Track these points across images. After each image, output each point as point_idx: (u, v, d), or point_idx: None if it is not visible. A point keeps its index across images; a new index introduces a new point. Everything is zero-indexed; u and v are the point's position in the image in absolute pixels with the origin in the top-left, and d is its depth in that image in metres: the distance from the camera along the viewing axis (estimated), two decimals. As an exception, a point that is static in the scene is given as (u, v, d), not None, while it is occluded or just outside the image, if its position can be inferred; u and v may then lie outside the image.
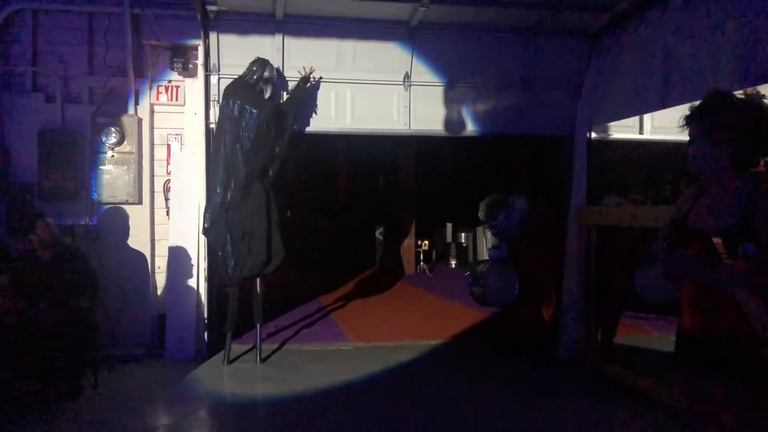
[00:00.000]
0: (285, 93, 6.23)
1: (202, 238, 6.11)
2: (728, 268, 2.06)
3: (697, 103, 2.36)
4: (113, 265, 6.10)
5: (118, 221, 6.31)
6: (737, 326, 2.11)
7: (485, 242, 12.19)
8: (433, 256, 14.43)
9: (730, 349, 2.20)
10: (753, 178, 2.23)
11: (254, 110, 5.84)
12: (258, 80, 5.92)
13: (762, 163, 2.32)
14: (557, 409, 4.90)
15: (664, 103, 5.02)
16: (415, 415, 4.73)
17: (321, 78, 6.26)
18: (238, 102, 5.84)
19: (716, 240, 2.05)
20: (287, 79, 6.24)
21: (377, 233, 13.78)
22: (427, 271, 13.25)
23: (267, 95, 5.98)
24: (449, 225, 14.61)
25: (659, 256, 2.43)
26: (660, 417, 4.35)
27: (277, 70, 6.13)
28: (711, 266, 2.13)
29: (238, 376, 5.72)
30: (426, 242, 13.69)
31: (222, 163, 5.87)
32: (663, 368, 4.55)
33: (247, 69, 5.95)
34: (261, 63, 5.95)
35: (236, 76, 6.01)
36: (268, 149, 5.98)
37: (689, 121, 2.36)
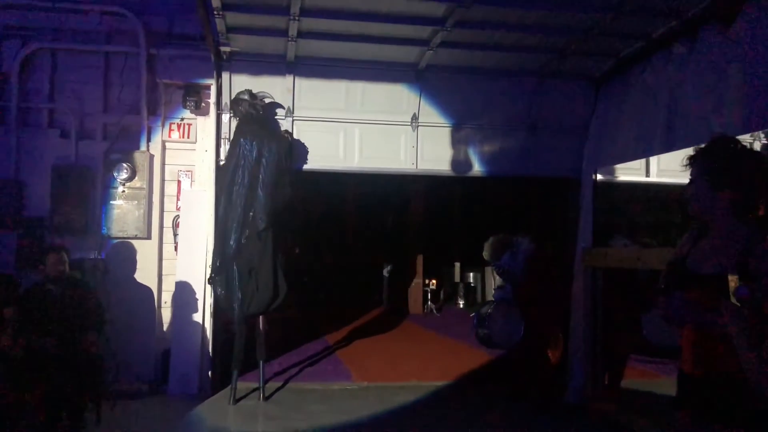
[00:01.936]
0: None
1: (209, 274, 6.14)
2: (732, 310, 2.04)
3: (702, 145, 2.39)
4: (120, 299, 6.12)
5: (127, 256, 6.37)
6: (737, 370, 2.09)
7: (494, 283, 12.11)
8: (441, 296, 14.34)
9: (731, 393, 2.19)
10: (752, 224, 2.24)
11: (272, 146, 5.92)
12: (251, 104, 5.98)
13: (762, 208, 2.32)
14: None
15: (668, 146, 5.07)
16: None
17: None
18: (256, 142, 5.91)
19: (732, 277, 2.03)
20: (295, 118, 6.34)
21: (384, 272, 13.74)
22: (434, 311, 13.16)
23: (268, 99, 6.07)
24: (457, 264, 14.56)
25: (658, 298, 2.43)
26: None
27: (287, 108, 6.25)
28: (713, 309, 2.12)
29: (241, 414, 5.67)
30: (434, 282, 13.62)
31: (240, 204, 5.88)
32: (670, 413, 4.46)
33: (243, 107, 5.99)
34: (240, 95, 6.02)
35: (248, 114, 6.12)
36: (286, 183, 6.04)
37: (692, 162, 2.38)
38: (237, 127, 6.09)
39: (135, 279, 6.37)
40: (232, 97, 6.24)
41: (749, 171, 2.24)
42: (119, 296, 6.15)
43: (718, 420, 2.24)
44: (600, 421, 5.44)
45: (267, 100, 6.13)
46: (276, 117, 6.28)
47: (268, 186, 5.91)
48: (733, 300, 2.00)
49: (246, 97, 6.00)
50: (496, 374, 7.20)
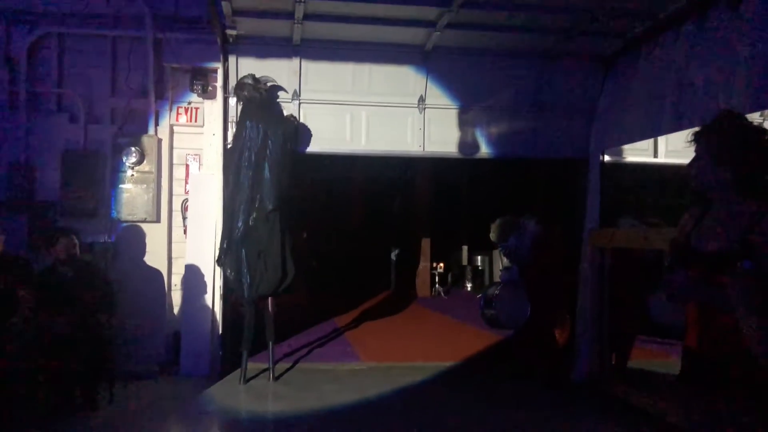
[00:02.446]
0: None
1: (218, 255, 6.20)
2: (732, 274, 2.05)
3: (708, 122, 2.38)
4: (130, 282, 6.18)
5: (137, 239, 6.42)
6: (740, 344, 2.11)
7: (501, 265, 12.14)
8: (449, 279, 14.40)
9: (734, 367, 2.21)
10: (755, 200, 2.24)
11: (277, 129, 5.97)
12: (254, 86, 6.00)
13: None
14: (568, 429, 4.87)
15: (676, 126, 5.04)
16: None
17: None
18: (261, 125, 5.95)
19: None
20: (302, 101, 6.36)
21: (392, 255, 13.79)
22: (442, 294, 13.22)
23: (271, 82, 6.09)
24: (465, 248, 14.60)
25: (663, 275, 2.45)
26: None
27: (294, 91, 6.27)
28: (717, 285, 2.13)
29: (250, 393, 5.75)
30: (441, 265, 13.67)
31: (247, 187, 5.94)
32: (675, 391, 4.49)
33: (247, 91, 6.02)
34: (248, 79, 6.04)
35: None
36: (290, 166, 6.08)
37: (697, 138, 2.38)
38: (242, 111, 6.12)
39: (145, 262, 6.43)
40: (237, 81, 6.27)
41: (754, 146, 2.23)
42: (129, 279, 6.20)
43: (722, 394, 2.26)
44: (607, 400, 5.47)
45: (269, 84, 6.14)
46: (280, 100, 6.29)
47: (275, 168, 5.95)
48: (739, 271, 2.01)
49: (249, 81, 6.02)
50: (502, 355, 7.24)
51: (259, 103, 6.03)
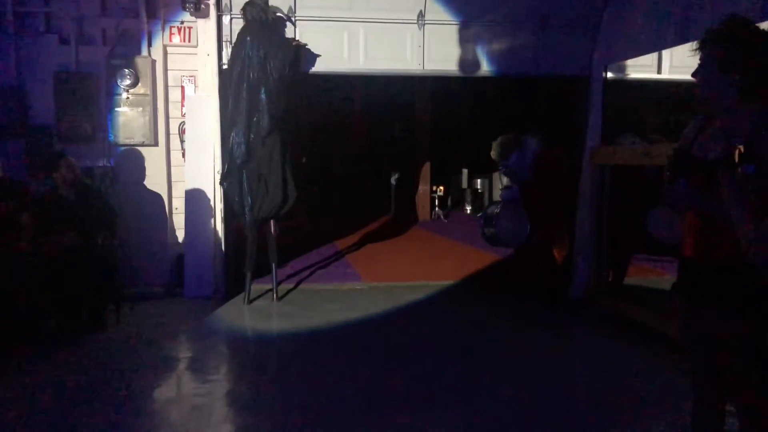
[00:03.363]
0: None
1: (219, 178, 6.18)
2: (731, 175, 2.03)
3: (714, 27, 2.31)
4: (132, 206, 6.20)
5: (135, 163, 6.39)
6: (737, 254, 2.12)
7: (501, 186, 12.15)
8: (449, 202, 14.44)
9: (730, 276, 2.23)
10: (759, 107, 2.20)
11: (279, 52, 5.83)
12: (264, 8, 5.86)
13: None
14: (567, 342, 5.04)
15: (683, 38, 4.90)
16: (427, 347, 4.86)
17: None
18: (262, 45, 5.80)
19: (739, 147, 2.00)
20: (298, 18, 6.17)
21: (392, 179, 13.78)
22: (442, 217, 13.29)
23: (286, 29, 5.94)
24: (465, 171, 14.55)
25: (664, 185, 2.44)
26: (665, 349, 4.43)
27: (289, 8, 6.08)
28: (717, 193, 2.12)
29: (256, 313, 5.90)
30: (441, 188, 13.66)
31: (245, 109, 5.85)
32: (670, 304, 4.59)
33: (255, 10, 5.85)
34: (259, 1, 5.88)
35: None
36: (286, 91, 5.97)
37: (702, 45, 2.31)
38: (243, 29, 5.93)
39: (145, 186, 6.43)
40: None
41: (761, 51, 2.17)
42: (131, 203, 6.22)
43: (717, 304, 2.30)
44: (604, 315, 5.60)
45: (277, 15, 5.98)
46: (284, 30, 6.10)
47: (273, 92, 5.85)
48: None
49: (260, 2, 5.84)
50: (502, 274, 7.36)
51: (261, 24, 5.86)
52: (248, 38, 5.85)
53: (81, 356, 4.53)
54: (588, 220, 5.99)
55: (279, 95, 5.90)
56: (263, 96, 5.84)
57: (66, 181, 5.30)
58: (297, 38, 6.15)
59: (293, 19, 6.16)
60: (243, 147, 5.88)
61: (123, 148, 6.37)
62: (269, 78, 5.83)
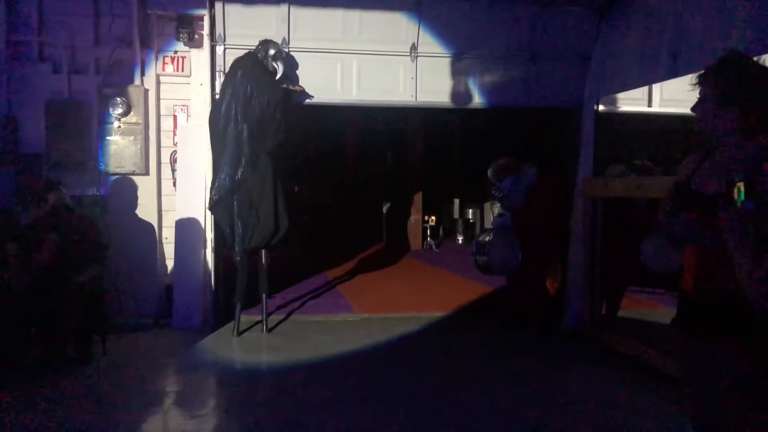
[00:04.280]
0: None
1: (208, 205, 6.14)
2: (730, 212, 2.02)
3: (713, 62, 2.32)
4: (121, 236, 6.11)
5: (126, 192, 6.34)
6: (736, 288, 2.10)
7: (492, 216, 12.17)
8: (440, 232, 14.43)
9: (730, 311, 2.21)
10: (759, 143, 2.20)
11: (265, 94, 5.82)
12: (267, 57, 5.87)
13: None
14: (559, 376, 4.96)
15: (672, 73, 4.97)
16: (418, 381, 4.77)
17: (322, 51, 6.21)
18: (250, 83, 5.80)
19: (739, 183, 1.99)
20: (291, 49, 6.20)
21: (384, 209, 13.77)
22: (433, 247, 13.26)
23: (280, 72, 5.92)
24: (456, 201, 14.58)
25: (662, 219, 2.43)
26: (660, 384, 4.39)
27: (283, 39, 6.11)
28: (715, 227, 2.10)
29: (244, 345, 5.79)
30: (433, 218, 13.65)
31: (231, 140, 5.83)
32: (665, 339, 4.56)
33: (257, 47, 5.92)
34: (266, 42, 5.91)
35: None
36: (274, 131, 5.94)
37: (701, 80, 2.32)
38: (235, 62, 5.95)
39: (135, 215, 6.36)
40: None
41: (759, 86, 2.19)
42: (120, 232, 6.13)
43: (716, 338, 2.27)
44: (597, 348, 5.55)
45: (280, 66, 5.95)
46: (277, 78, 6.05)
47: (254, 129, 5.82)
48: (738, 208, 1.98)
49: (272, 49, 5.89)
50: (494, 305, 7.30)
51: (254, 61, 5.87)
52: (239, 72, 5.86)
53: (64, 388, 4.42)
54: (580, 252, 5.97)
55: (263, 134, 5.87)
56: (245, 133, 5.81)
57: (51, 209, 5.22)
58: (292, 83, 6.15)
59: (287, 50, 6.18)
60: (228, 179, 5.84)
61: (114, 177, 6.32)
62: (253, 114, 5.81)
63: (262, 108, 5.82)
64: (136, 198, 6.36)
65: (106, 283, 5.51)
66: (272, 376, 5.08)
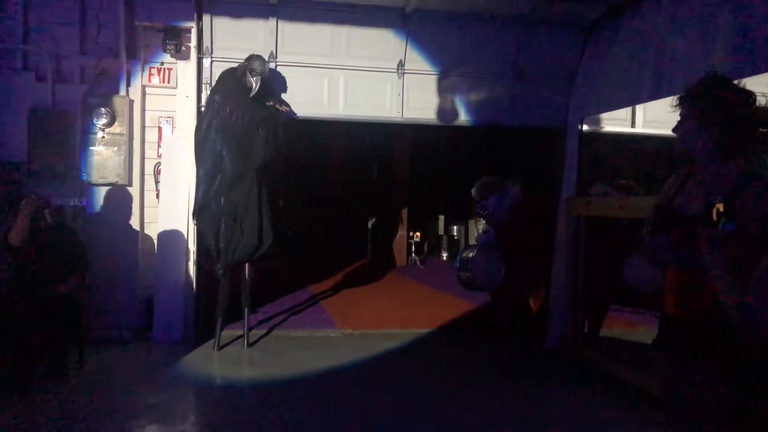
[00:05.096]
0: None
1: (192, 223, 6.08)
2: (711, 233, 2.04)
3: (693, 84, 2.35)
4: (102, 247, 6.05)
5: (108, 203, 6.28)
6: (718, 310, 2.10)
7: (477, 233, 12.19)
8: (425, 248, 14.43)
9: (711, 333, 2.21)
10: (739, 164, 2.23)
11: (246, 114, 5.79)
12: (244, 72, 5.79)
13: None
14: (542, 396, 4.93)
15: (656, 94, 5.03)
16: (400, 400, 4.73)
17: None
18: (229, 102, 5.77)
19: (718, 205, 2.02)
20: (279, 63, 6.21)
21: (369, 224, 13.75)
22: (418, 263, 13.25)
23: (254, 90, 5.80)
24: (441, 217, 14.61)
25: (644, 240, 2.43)
26: (641, 404, 4.39)
27: (271, 53, 6.11)
28: (697, 249, 2.11)
29: (224, 360, 5.72)
30: (418, 234, 13.67)
31: (210, 156, 5.80)
32: (647, 359, 4.57)
33: (256, 67, 5.81)
34: (251, 57, 5.83)
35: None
36: (261, 148, 5.90)
37: (681, 101, 2.35)
38: (221, 77, 5.94)
39: (117, 226, 6.29)
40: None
41: (738, 108, 2.21)
42: (101, 244, 6.07)
43: (696, 360, 2.27)
44: (579, 367, 5.54)
45: (256, 83, 5.80)
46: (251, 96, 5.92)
47: (234, 147, 5.78)
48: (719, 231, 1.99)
49: (257, 65, 5.76)
50: (478, 322, 7.29)
51: (236, 78, 5.83)
52: (221, 90, 5.84)
53: (38, 403, 4.33)
54: (564, 270, 5.99)
55: (248, 148, 5.83)
56: (225, 150, 5.78)
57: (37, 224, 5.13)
58: (279, 102, 6.12)
59: (275, 64, 6.19)
60: (202, 194, 5.81)
61: (96, 187, 6.26)
62: (233, 133, 5.78)
63: (241, 127, 5.79)
64: (118, 209, 6.30)
65: (84, 295, 5.41)
66: (252, 393, 5.01)
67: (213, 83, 6.06)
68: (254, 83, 5.79)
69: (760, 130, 2.24)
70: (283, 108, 6.07)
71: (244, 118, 5.79)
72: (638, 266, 5.27)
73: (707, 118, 2.22)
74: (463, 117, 6.58)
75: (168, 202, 6.22)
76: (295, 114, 6.27)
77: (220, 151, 5.80)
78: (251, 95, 5.80)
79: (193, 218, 6.00)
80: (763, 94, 2.26)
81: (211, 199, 5.82)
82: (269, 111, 5.96)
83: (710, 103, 2.23)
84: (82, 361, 5.16)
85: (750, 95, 2.25)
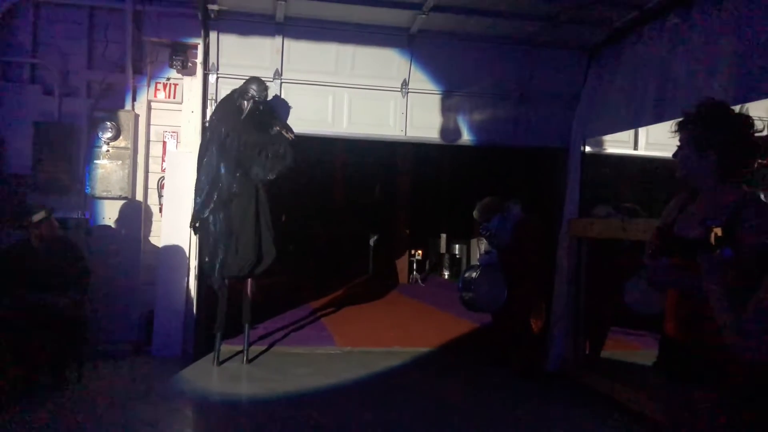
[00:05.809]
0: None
1: (194, 237, 6.10)
2: (709, 257, 2.04)
3: (691, 110, 2.37)
4: (104, 260, 6.06)
5: (111, 216, 6.29)
6: (717, 334, 2.10)
7: (479, 253, 12.17)
8: (427, 267, 14.41)
9: (710, 357, 2.20)
10: (738, 188, 2.25)
11: (241, 137, 5.82)
12: (240, 95, 5.84)
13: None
14: (540, 416, 4.90)
15: (658, 117, 5.05)
16: (400, 418, 4.71)
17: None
18: (224, 125, 5.81)
19: (716, 229, 2.02)
20: (284, 81, 6.26)
21: (370, 241, 13.75)
22: (419, 281, 13.23)
23: (245, 113, 5.83)
24: (443, 236, 14.59)
25: (645, 263, 2.44)
26: (641, 427, 4.36)
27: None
28: (697, 272, 2.11)
29: (223, 375, 5.70)
30: (420, 252, 13.66)
31: (207, 171, 5.84)
32: (647, 381, 4.55)
33: (256, 92, 5.88)
34: (249, 80, 5.88)
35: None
36: (255, 171, 5.92)
37: (680, 127, 2.37)
38: (217, 105, 6.02)
39: (119, 240, 6.30)
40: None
41: (735, 133, 2.23)
42: (103, 257, 6.08)
43: (697, 383, 2.26)
44: (580, 390, 5.51)
45: (248, 105, 5.85)
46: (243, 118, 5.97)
47: (232, 166, 5.82)
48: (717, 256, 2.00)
49: (253, 88, 5.82)
50: (478, 342, 7.26)
51: (232, 102, 5.87)
52: (219, 117, 5.90)
53: (37, 416, 4.30)
54: (565, 291, 5.97)
55: (248, 168, 5.87)
56: (222, 170, 5.82)
57: (40, 237, 5.13)
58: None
59: (280, 81, 6.24)
60: (201, 203, 5.84)
61: (100, 200, 6.28)
62: (229, 155, 5.80)
63: (237, 148, 5.81)
64: (121, 223, 6.32)
65: (84, 308, 5.40)
66: (251, 409, 4.99)
67: (218, 99, 6.10)
68: (246, 105, 5.83)
69: (759, 161, 2.26)
70: (290, 135, 6.08)
71: (240, 140, 5.82)
72: (639, 290, 5.26)
73: (705, 143, 2.24)
74: (466, 136, 6.61)
75: (171, 217, 6.24)
76: (294, 137, 6.22)
77: (217, 167, 5.83)
78: (242, 117, 5.84)
79: (190, 228, 6.01)
80: (760, 118, 2.28)
81: (209, 213, 5.84)
82: (272, 136, 5.98)
83: (707, 128, 2.26)
84: (81, 374, 5.15)
85: (747, 120, 2.27)
